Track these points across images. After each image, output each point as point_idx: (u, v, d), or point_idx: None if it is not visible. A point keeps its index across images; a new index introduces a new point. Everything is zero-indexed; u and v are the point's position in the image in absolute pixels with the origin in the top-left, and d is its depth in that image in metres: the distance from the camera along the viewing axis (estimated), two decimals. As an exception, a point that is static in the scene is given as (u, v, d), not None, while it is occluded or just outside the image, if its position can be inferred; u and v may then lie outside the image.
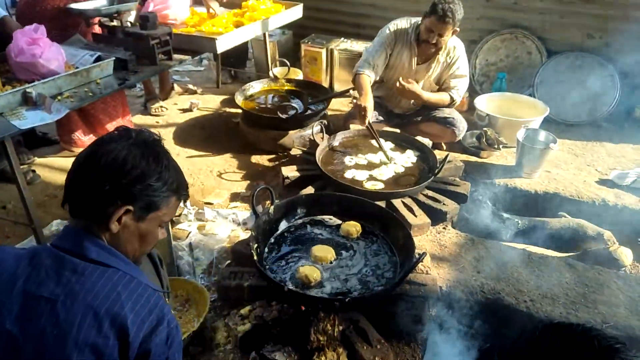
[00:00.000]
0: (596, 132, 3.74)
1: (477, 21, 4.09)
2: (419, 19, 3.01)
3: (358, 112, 2.82)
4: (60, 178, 2.97)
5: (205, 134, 3.58)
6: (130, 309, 0.98)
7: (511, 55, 4.11)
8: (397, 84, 3.00)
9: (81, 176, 1.05)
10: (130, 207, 1.06)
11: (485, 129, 3.30)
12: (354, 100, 3.01)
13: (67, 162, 3.10)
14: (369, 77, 2.98)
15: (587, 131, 3.74)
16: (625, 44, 3.71)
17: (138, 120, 3.74)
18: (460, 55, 3.07)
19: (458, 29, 2.90)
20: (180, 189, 1.16)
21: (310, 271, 1.89)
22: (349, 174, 2.71)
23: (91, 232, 1.06)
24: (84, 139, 3.14)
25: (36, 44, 2.23)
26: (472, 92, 4.05)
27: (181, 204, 1.44)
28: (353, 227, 2.17)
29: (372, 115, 2.84)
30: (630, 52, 3.71)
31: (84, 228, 1.06)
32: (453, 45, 3.04)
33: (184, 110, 3.92)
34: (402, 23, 3.07)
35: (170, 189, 1.11)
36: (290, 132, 3.26)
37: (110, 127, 3.20)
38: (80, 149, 3.23)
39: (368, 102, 2.80)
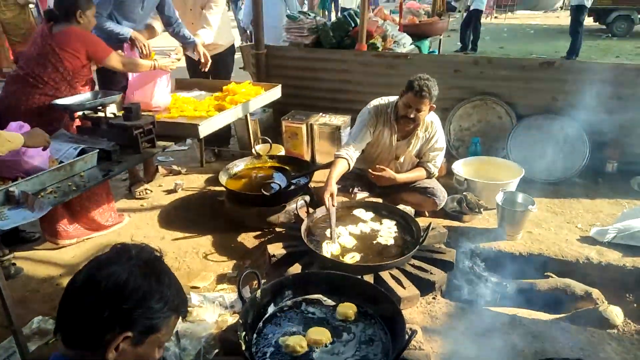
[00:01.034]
0: (572, 189, 3.86)
1: (448, 90, 4.29)
2: (394, 98, 3.17)
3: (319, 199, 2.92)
4: (44, 271, 2.91)
5: (191, 215, 3.59)
6: None
7: (483, 120, 4.30)
8: (370, 175, 3.13)
9: (78, 302, 1.00)
10: (130, 334, 1.01)
11: (465, 193, 3.39)
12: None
13: (50, 254, 3.07)
14: (345, 160, 3.03)
15: (563, 189, 3.85)
16: (588, 104, 3.92)
17: (123, 204, 3.75)
18: (437, 130, 3.21)
19: (434, 105, 3.06)
20: (180, 306, 1.12)
21: (296, 341, 1.92)
22: (327, 249, 2.69)
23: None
24: (69, 229, 3.12)
25: (20, 143, 2.28)
26: (449, 157, 4.18)
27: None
28: (350, 310, 2.12)
29: (334, 201, 2.86)
30: (593, 111, 3.91)
31: (76, 358, 1.01)
32: (430, 120, 3.19)
33: (169, 192, 3.96)
34: (380, 102, 3.22)
35: (170, 308, 1.07)
36: (275, 208, 3.30)
37: (95, 214, 3.20)
38: (65, 241, 3.18)
39: (326, 191, 2.83)
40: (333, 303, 2.20)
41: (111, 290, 0.99)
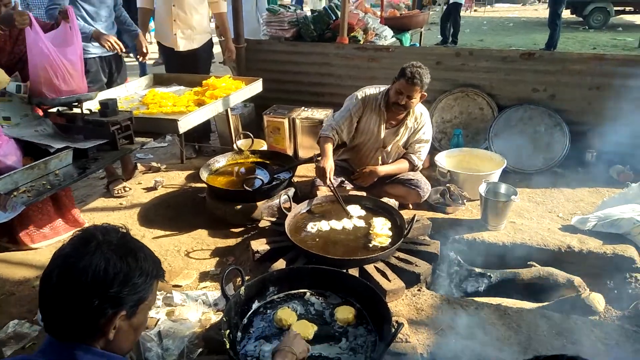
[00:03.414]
0: (553, 178, 3.89)
1: (430, 83, 4.30)
2: (386, 86, 3.17)
3: (319, 174, 2.97)
4: (19, 273, 2.81)
5: (171, 213, 3.52)
6: None
7: (465, 112, 4.31)
8: (353, 177, 3.25)
9: (61, 299, 1.01)
10: (123, 312, 1.06)
11: (448, 185, 3.39)
12: (316, 163, 3.12)
13: (26, 256, 2.99)
14: (331, 139, 3.13)
15: (544, 178, 3.88)
16: (568, 94, 3.98)
17: (101, 203, 3.67)
18: (426, 122, 3.24)
19: (425, 94, 3.06)
20: (159, 272, 1.18)
21: (286, 315, 2.01)
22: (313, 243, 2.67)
23: (82, 342, 1.03)
24: (33, 234, 3.02)
25: (-8, 141, 2.20)
26: (432, 149, 4.17)
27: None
28: (349, 313, 2.06)
29: (332, 175, 2.96)
30: (573, 101, 3.98)
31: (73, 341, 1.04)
32: (420, 112, 3.21)
33: (148, 189, 3.87)
34: (371, 90, 3.23)
35: (151, 277, 1.13)
36: (258, 203, 3.25)
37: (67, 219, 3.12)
38: (36, 244, 3.03)
39: (327, 163, 2.95)
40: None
41: (94, 282, 1.01)
